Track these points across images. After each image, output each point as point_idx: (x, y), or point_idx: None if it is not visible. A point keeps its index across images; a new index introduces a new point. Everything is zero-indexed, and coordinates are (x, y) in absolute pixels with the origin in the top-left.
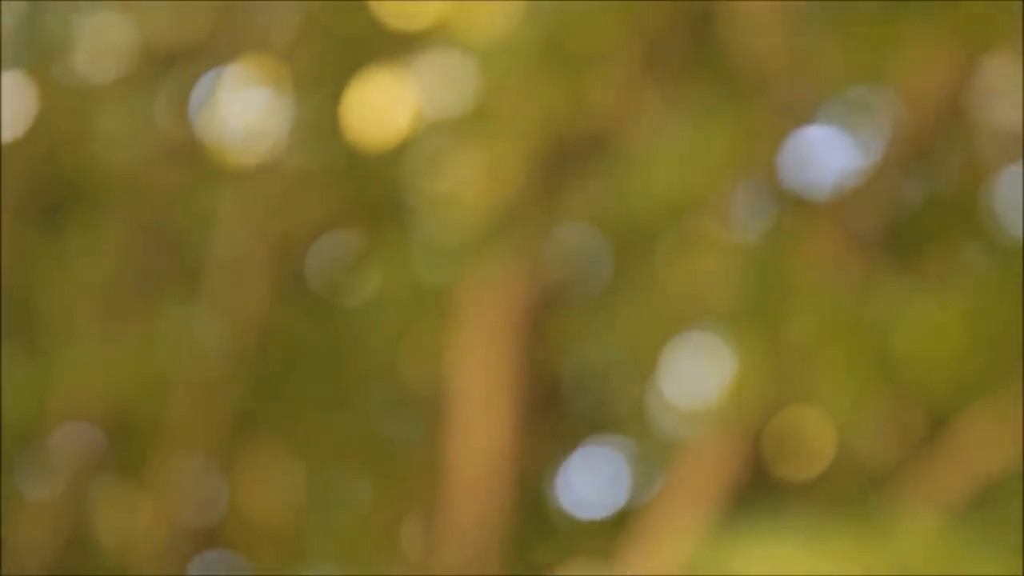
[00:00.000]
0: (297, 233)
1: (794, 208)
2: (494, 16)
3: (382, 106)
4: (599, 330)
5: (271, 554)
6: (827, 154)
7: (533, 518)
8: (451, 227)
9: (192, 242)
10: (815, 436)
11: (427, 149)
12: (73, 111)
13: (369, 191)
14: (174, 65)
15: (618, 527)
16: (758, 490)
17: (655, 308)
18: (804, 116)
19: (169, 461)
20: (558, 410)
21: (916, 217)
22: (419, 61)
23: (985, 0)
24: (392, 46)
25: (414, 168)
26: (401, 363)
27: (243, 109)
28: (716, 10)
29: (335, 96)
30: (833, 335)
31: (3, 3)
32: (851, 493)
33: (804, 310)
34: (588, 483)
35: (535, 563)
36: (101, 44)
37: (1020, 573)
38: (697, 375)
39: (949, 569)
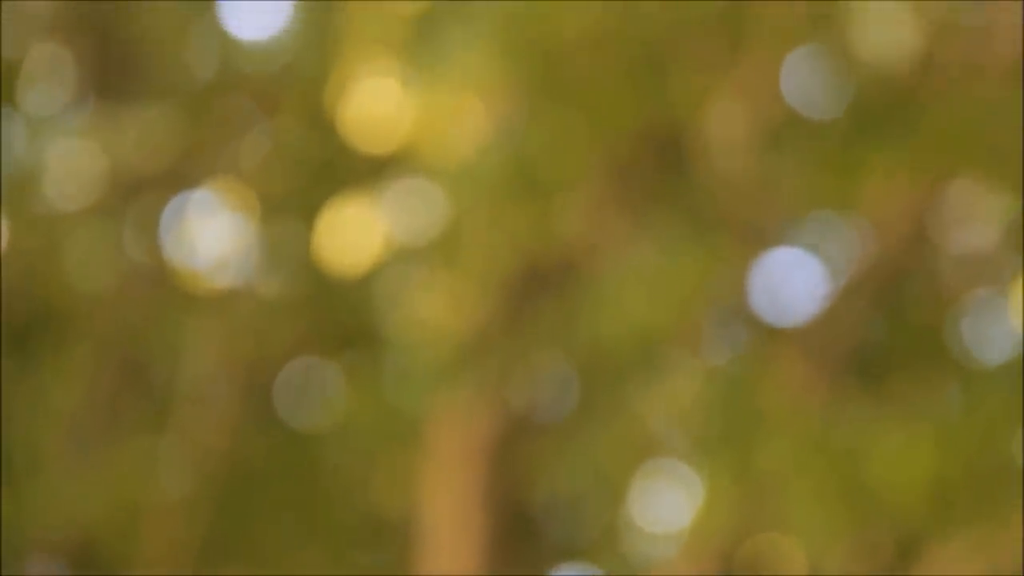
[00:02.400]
0: (266, 359)
1: (763, 334)
2: (463, 142)
3: (352, 232)
4: (569, 456)
5: None
6: (795, 279)
7: None
8: (420, 354)
9: (161, 368)
10: (786, 562)
11: (396, 276)
12: (43, 239)
13: (338, 317)
14: (143, 191)
15: None
16: None
17: (625, 434)
18: (772, 241)
19: None
20: (528, 537)
21: (884, 343)
22: (389, 187)
23: (950, 129)
24: (362, 171)
25: (384, 294)
26: (370, 490)
27: (212, 234)
28: (684, 136)
29: (304, 221)
30: (803, 461)
31: None
32: None
33: (774, 436)
34: None
35: None
36: (70, 171)
37: None
38: (667, 501)
39: None
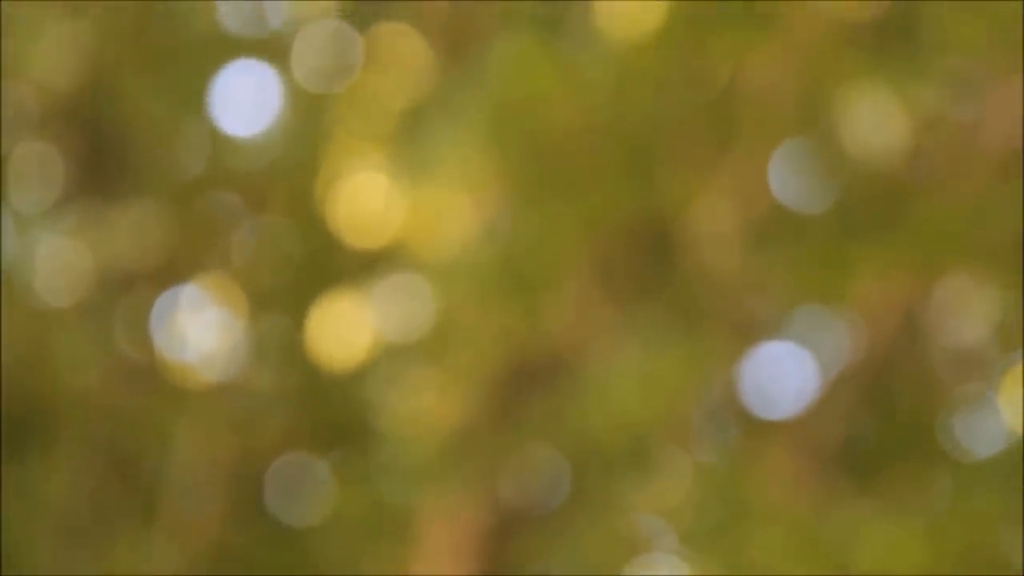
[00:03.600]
0: (255, 453)
1: (752, 427)
2: (452, 237)
3: (341, 327)
4: (559, 550)
5: None
6: (785, 373)
7: None
8: (410, 448)
9: (151, 462)
10: None
11: (386, 370)
12: (33, 335)
13: (328, 412)
14: (132, 287)
15: None
16: None
17: (615, 528)
18: (761, 335)
19: None
20: None
21: (874, 437)
22: (378, 282)
23: (940, 224)
24: (351, 266)
25: (373, 389)
26: None
27: (201, 329)
28: (672, 230)
29: (293, 316)
30: (793, 555)
31: None
32: None
33: (764, 530)
34: None
35: None
36: (60, 268)
37: None
38: None
39: None
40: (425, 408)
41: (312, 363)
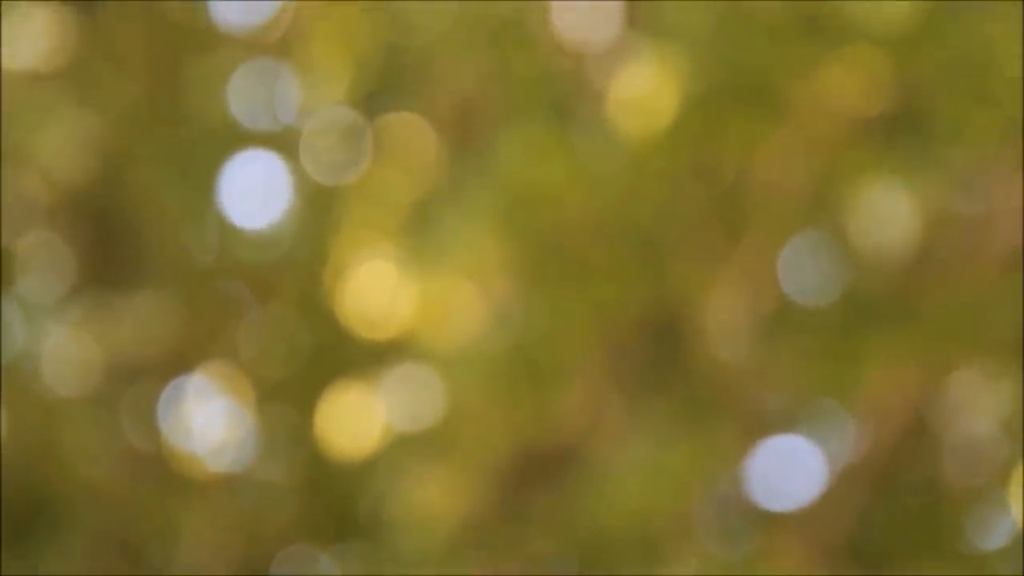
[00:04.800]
0: (263, 544)
1: (761, 520)
2: (461, 328)
3: (349, 418)
4: None
5: None
6: (793, 465)
7: None
8: (418, 540)
9: (157, 553)
10: None
11: (394, 461)
12: (41, 426)
13: (335, 503)
14: (140, 377)
15: None
16: None
17: None
18: (770, 427)
19: None
20: None
21: (883, 530)
22: (387, 373)
23: (949, 318)
24: (359, 357)
25: (381, 480)
26: None
27: (209, 420)
28: (681, 321)
29: (301, 407)
30: None
31: None
32: None
33: None
34: None
35: None
36: (68, 359)
37: None
38: None
39: None
40: (433, 499)
41: (320, 454)
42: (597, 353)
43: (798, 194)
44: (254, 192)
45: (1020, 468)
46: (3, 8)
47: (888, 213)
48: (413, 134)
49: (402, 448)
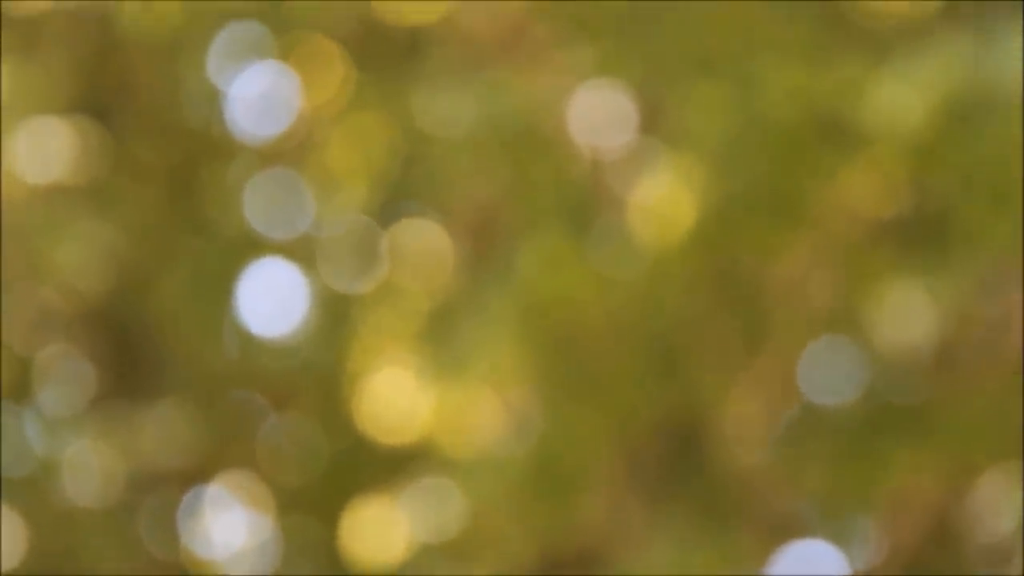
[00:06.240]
0: None
1: None
2: (481, 435)
3: (370, 527)
4: None
5: None
6: (815, 571)
7: None
8: None
9: None
10: None
11: (416, 570)
12: (61, 536)
13: None
14: (160, 486)
15: None
16: None
17: None
18: (791, 533)
19: None
20: None
21: None
22: (407, 481)
23: (970, 422)
24: (379, 465)
25: None
26: None
27: (229, 529)
28: (701, 427)
29: (321, 515)
30: None
31: None
32: None
33: None
34: None
35: None
36: (87, 469)
37: None
38: None
39: None
40: None
41: (341, 563)
42: (617, 459)
43: (818, 298)
44: (272, 301)
45: None
46: (23, 123)
47: (908, 316)
48: (429, 242)
49: (425, 558)
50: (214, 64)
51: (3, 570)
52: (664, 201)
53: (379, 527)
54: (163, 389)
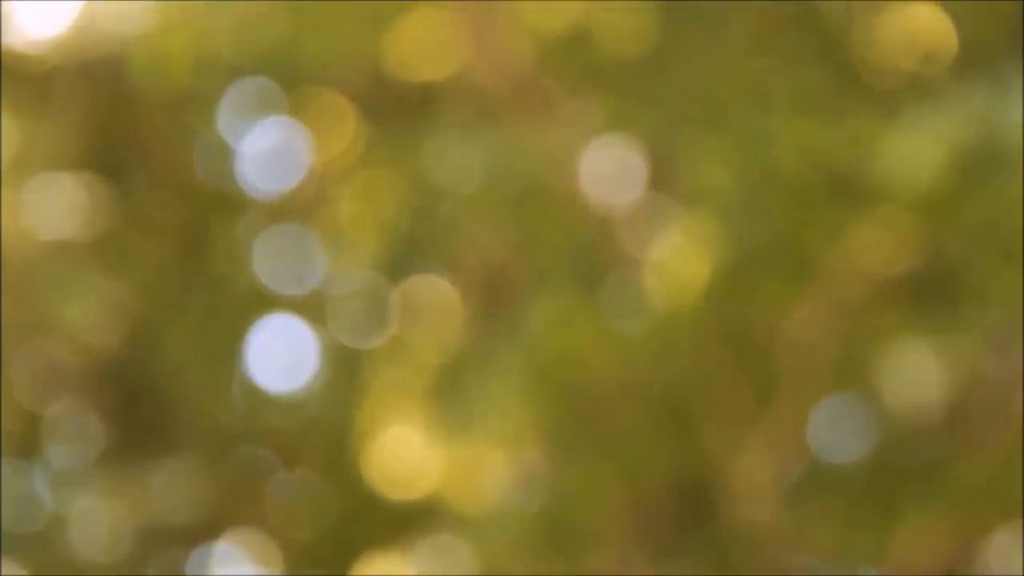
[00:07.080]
0: None
1: None
2: (489, 491)
3: None
4: None
5: None
6: None
7: None
8: None
9: None
10: None
11: None
12: None
13: None
14: (168, 542)
15: None
16: None
17: None
18: None
19: None
20: None
21: None
22: (416, 537)
23: (980, 481)
24: (388, 521)
25: None
26: None
27: None
28: (710, 483)
29: (330, 572)
30: None
31: None
32: None
33: None
34: None
35: None
36: (95, 525)
37: None
38: None
39: None
40: None
41: None
42: (626, 515)
43: (827, 355)
44: (281, 356)
45: None
46: (33, 179)
47: (917, 374)
48: (439, 297)
49: None
50: (224, 119)
51: None
52: (674, 257)
53: None
54: (172, 445)
